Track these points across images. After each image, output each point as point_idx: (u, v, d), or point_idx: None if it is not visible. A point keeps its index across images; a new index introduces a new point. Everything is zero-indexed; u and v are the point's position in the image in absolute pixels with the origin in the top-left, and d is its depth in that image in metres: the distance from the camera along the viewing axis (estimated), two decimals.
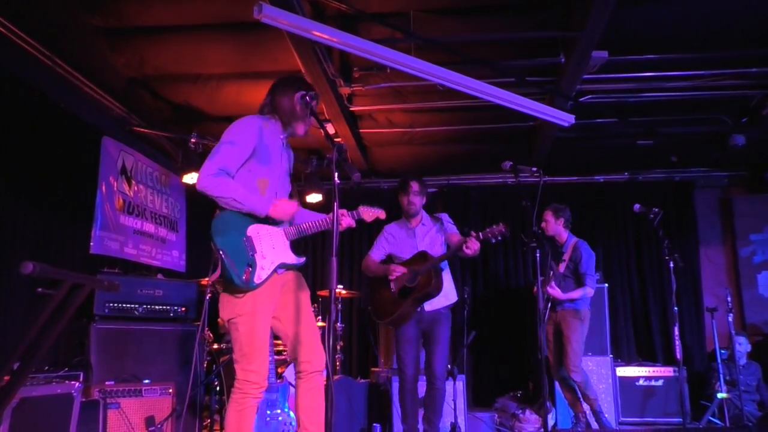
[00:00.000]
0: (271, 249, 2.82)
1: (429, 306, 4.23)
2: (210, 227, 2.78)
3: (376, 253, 4.48)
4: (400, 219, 4.51)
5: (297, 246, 3.08)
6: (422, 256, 4.23)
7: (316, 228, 2.96)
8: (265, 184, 2.84)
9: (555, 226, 5.10)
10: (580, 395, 4.91)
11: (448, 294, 4.29)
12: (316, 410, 2.81)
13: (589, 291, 4.95)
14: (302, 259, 2.97)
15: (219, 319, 2.84)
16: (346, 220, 3.00)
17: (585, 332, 4.93)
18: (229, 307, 2.75)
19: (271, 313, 2.83)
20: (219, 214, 2.79)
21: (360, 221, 3.18)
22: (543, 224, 5.10)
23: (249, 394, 2.70)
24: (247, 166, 2.80)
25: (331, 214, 2.82)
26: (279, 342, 4.37)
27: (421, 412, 4.40)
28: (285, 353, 4.23)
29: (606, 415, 4.93)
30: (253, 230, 2.79)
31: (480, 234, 3.90)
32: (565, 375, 4.93)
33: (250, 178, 2.80)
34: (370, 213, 3.21)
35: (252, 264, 2.73)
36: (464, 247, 3.91)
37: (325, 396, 2.65)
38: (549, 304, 4.97)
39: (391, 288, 4.26)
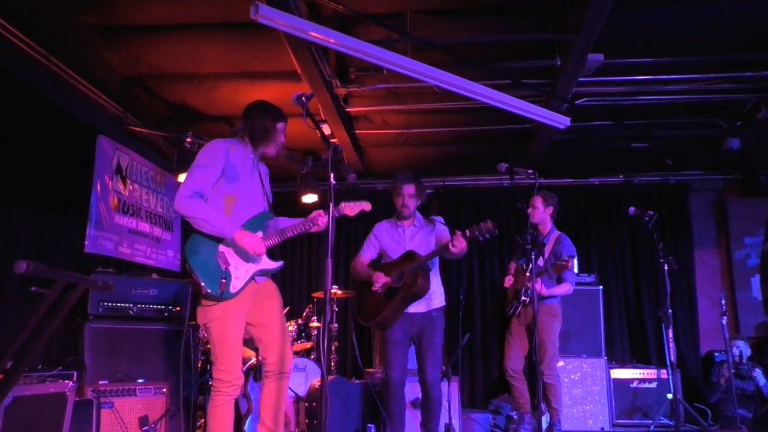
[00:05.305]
0: (246, 260, 3.06)
1: (413, 308, 4.02)
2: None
3: (367, 253, 4.29)
4: (392, 218, 4.31)
5: (284, 249, 3.19)
6: (409, 255, 4.03)
7: (290, 234, 3.15)
8: (232, 201, 3.07)
9: (543, 213, 4.85)
10: (540, 398, 4.79)
11: (433, 297, 4.08)
12: (277, 408, 3.09)
13: (569, 288, 4.71)
14: (279, 263, 3.23)
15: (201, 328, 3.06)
16: (323, 220, 3.15)
17: (559, 329, 4.71)
18: (203, 313, 2.99)
19: (244, 318, 3.06)
20: (191, 236, 3.03)
21: (344, 217, 3.30)
22: (530, 210, 4.77)
23: (221, 392, 2.94)
24: (216, 185, 3.04)
25: (307, 218, 3.17)
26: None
27: (412, 414, 4.33)
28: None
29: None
30: (225, 245, 3.03)
31: (467, 231, 3.69)
32: (515, 370, 4.72)
33: (217, 195, 3.04)
34: (352, 207, 3.30)
35: (227, 276, 2.95)
36: (450, 246, 3.71)
37: (319, 396, 2.80)
38: (521, 300, 4.63)
39: (377, 289, 4.08)
